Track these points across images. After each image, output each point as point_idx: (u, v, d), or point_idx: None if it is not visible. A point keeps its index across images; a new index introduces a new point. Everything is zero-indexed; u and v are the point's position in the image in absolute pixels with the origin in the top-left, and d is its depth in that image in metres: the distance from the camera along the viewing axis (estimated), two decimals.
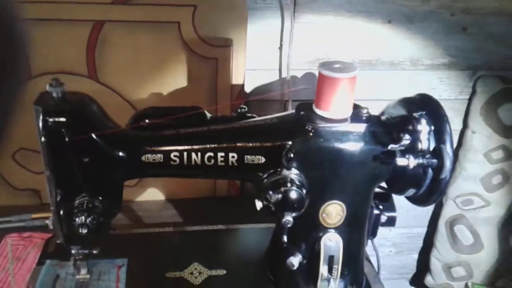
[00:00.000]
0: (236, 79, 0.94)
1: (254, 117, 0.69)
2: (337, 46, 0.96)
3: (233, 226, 0.88)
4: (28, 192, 0.99)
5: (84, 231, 0.59)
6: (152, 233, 0.86)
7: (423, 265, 1.26)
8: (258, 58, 0.95)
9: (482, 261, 1.14)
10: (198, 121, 0.67)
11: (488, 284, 1.13)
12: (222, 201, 1.07)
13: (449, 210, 1.13)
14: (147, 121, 0.66)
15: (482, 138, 1.05)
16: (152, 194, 1.04)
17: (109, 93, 0.90)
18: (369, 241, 0.79)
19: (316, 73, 0.96)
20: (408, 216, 1.19)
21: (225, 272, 0.77)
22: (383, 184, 0.71)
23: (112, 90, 0.90)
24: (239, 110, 0.69)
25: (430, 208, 1.21)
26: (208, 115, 0.69)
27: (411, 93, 0.70)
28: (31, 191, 0.99)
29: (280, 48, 0.95)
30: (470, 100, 1.06)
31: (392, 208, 0.74)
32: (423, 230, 1.25)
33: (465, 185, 1.10)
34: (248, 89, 0.96)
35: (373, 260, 0.92)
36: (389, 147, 0.61)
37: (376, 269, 0.91)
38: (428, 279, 1.21)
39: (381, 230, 0.90)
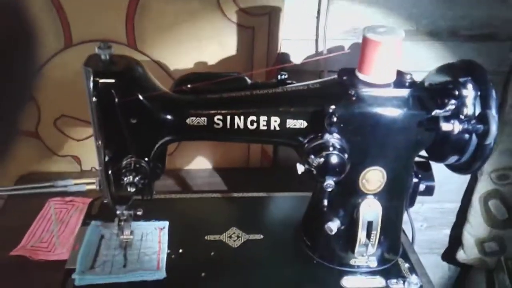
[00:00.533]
0: (272, 48, 0.94)
1: (294, 83, 0.69)
2: (374, 15, 0.95)
3: (270, 194, 0.90)
4: (69, 158, 1.03)
5: (132, 189, 0.61)
6: (191, 199, 0.89)
7: (455, 240, 1.25)
8: (294, 28, 0.95)
9: None
10: (239, 87, 0.68)
11: None
12: (255, 171, 1.09)
13: (483, 184, 1.12)
14: (189, 86, 0.67)
15: None
16: (185, 163, 1.06)
17: (147, 62, 0.92)
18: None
19: (352, 42, 0.96)
20: (441, 191, 1.17)
21: (262, 236, 0.79)
22: (423, 153, 0.71)
23: (150, 59, 0.92)
24: (279, 77, 0.69)
25: (463, 183, 1.20)
26: (249, 81, 0.70)
27: None
28: (71, 157, 1.02)
29: (317, 17, 0.94)
30: (509, 73, 1.04)
31: (431, 177, 0.74)
32: (455, 206, 1.24)
33: (501, 159, 1.08)
34: (284, 58, 0.96)
35: (407, 231, 0.92)
36: (433, 113, 0.61)
37: (411, 239, 0.91)
38: (460, 254, 1.20)
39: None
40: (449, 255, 1.29)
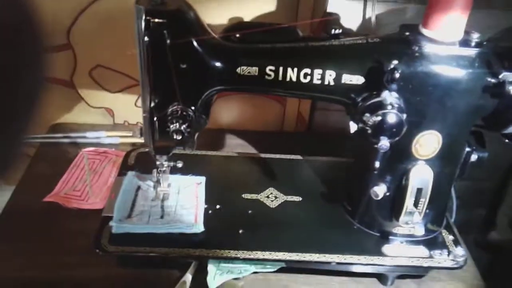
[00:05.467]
0: (318, 6, 0.90)
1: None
2: None
3: (307, 158, 0.87)
4: (102, 110, 1.01)
5: (179, 137, 0.59)
6: (227, 157, 0.86)
7: (488, 221, 1.22)
8: None
9: None
10: (290, 39, 0.65)
11: None
12: (289, 135, 1.06)
13: None
14: (238, 35, 0.64)
15: None
16: (218, 123, 1.04)
17: None
18: None
19: (402, 6, 0.91)
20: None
21: (300, 199, 0.77)
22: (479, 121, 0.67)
23: None
24: (333, 31, 0.65)
25: (500, 162, 1.16)
26: (300, 34, 0.66)
27: None
28: (104, 109, 1.01)
29: None
30: None
31: (484, 147, 0.70)
32: (490, 185, 1.20)
33: None
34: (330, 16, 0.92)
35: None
36: (501, 76, 0.57)
37: (454, 214, 0.88)
38: (492, 234, 1.17)
39: None
40: (481, 236, 1.26)
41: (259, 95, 1.01)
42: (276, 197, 0.77)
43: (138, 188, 0.75)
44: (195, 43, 0.57)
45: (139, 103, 0.67)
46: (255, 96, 1.01)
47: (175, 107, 0.60)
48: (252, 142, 1.02)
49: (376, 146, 0.59)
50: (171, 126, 0.59)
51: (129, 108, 1.00)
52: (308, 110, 1.04)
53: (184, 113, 0.60)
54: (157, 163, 0.69)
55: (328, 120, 1.06)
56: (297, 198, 0.77)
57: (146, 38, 0.55)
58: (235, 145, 1.01)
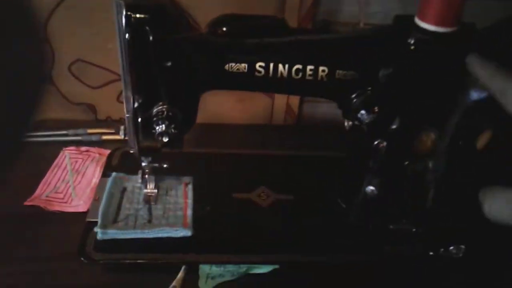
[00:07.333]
0: None
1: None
2: None
3: (299, 153, 0.85)
4: (83, 107, 0.97)
5: (165, 139, 0.56)
6: (217, 154, 0.83)
7: None
8: None
9: None
10: (280, 32, 0.62)
11: None
12: (278, 128, 1.04)
13: None
14: (224, 29, 0.60)
15: None
16: (206, 117, 1.01)
17: None
18: None
19: None
20: None
21: (292, 197, 0.74)
22: None
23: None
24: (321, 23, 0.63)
25: None
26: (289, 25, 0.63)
27: None
28: (86, 106, 0.97)
29: None
30: None
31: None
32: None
33: None
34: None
35: None
36: None
37: None
38: None
39: None
40: None
41: None
42: (268, 196, 0.74)
43: (124, 190, 0.72)
44: (180, 40, 0.54)
45: (122, 98, 0.64)
46: None
47: (160, 107, 0.57)
48: (240, 136, 1.00)
49: (372, 144, 0.57)
50: (157, 128, 0.56)
51: (112, 103, 0.96)
52: (297, 103, 1.02)
53: (171, 113, 0.56)
54: (143, 164, 0.65)
55: (317, 112, 1.04)
56: (290, 197, 0.74)
57: (127, 35, 0.51)
58: (223, 140, 0.98)
